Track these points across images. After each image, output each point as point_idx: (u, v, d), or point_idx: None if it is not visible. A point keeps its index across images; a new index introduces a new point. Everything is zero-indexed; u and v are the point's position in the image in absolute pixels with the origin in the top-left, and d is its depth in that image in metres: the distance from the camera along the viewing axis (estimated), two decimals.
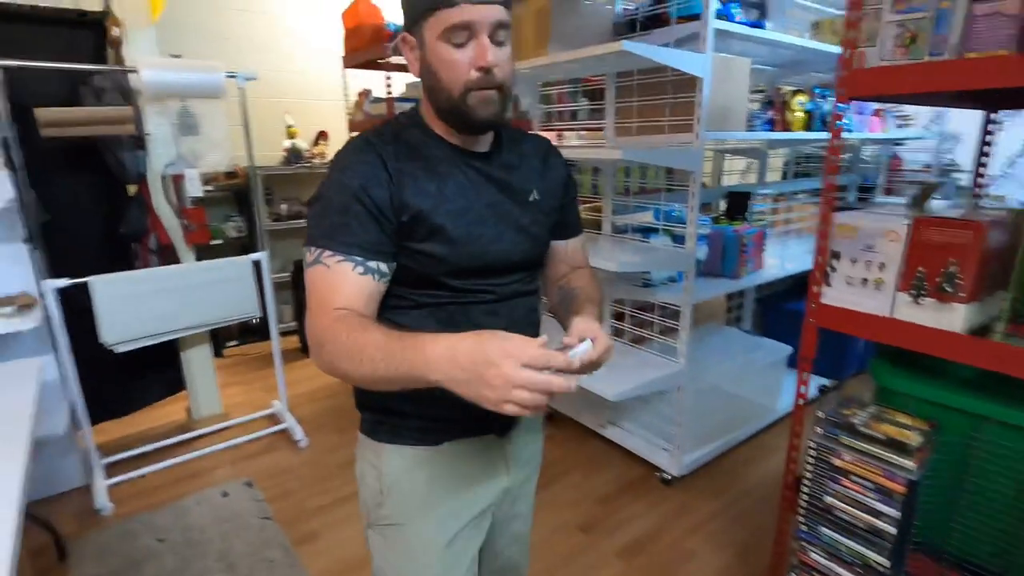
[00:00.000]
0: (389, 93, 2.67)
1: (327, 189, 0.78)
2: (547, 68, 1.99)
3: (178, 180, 2.32)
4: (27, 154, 1.92)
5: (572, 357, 0.65)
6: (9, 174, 1.85)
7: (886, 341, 1.17)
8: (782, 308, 2.99)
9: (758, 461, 2.27)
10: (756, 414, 2.44)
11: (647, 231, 2.18)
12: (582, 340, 0.70)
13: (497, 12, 0.73)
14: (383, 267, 0.77)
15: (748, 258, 2.19)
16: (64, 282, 1.97)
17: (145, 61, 2.11)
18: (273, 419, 2.65)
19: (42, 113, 1.93)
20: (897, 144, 3.45)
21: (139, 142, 2.24)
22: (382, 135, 0.81)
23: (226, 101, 2.31)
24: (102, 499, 2.04)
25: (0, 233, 1.93)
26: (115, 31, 2.24)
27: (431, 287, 0.82)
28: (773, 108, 2.23)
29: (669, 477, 2.10)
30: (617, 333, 2.31)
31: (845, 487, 1.13)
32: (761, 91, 2.53)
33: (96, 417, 2.20)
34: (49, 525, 1.84)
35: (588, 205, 3.07)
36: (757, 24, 1.92)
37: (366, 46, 2.66)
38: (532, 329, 0.91)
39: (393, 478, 0.88)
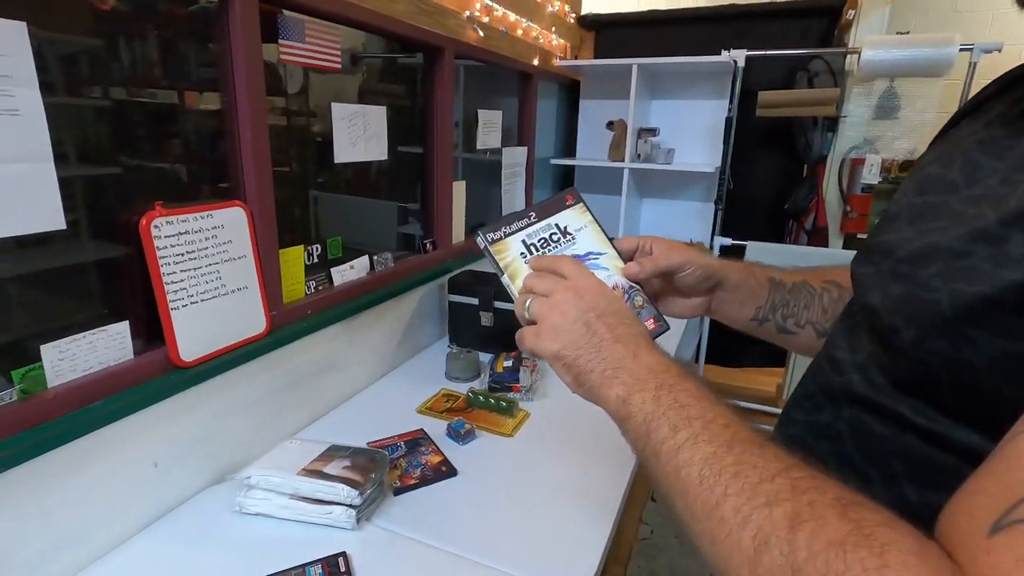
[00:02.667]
0: None
1: None
2: None
3: (855, 165, 2.25)
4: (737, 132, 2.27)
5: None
6: (723, 147, 2.25)
7: None
8: None
9: None
10: None
11: None
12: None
13: None
14: None
15: None
16: (727, 241, 2.30)
17: (869, 40, 2.07)
18: None
19: (763, 95, 2.22)
20: None
21: (831, 124, 2.28)
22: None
23: (939, 82, 2.01)
24: None
25: (701, 193, 2.43)
26: (849, 14, 2.29)
27: None
28: None
29: None
30: None
31: None
32: None
33: (710, 358, 2.56)
34: None
35: None
36: None
37: None
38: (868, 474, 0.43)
39: None
